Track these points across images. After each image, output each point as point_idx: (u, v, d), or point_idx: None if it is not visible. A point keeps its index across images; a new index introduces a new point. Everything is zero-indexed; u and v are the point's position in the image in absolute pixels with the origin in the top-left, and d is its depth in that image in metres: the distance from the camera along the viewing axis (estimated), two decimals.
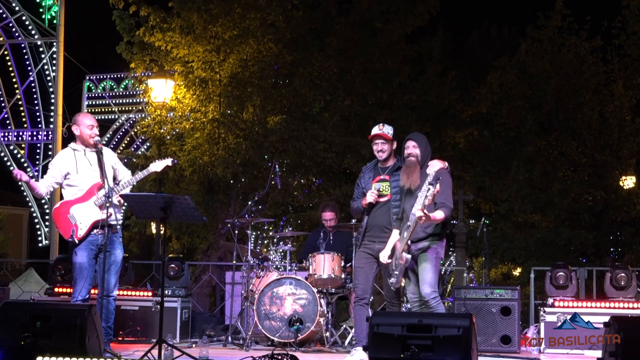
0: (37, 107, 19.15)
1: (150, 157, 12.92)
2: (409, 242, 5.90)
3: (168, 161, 6.82)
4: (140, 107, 17.44)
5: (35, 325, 5.16)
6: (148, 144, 17.23)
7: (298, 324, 7.76)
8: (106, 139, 19.60)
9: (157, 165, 6.79)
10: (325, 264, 7.89)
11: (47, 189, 6.77)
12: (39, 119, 19.22)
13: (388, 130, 6.52)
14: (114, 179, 6.79)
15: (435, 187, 5.61)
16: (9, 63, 19.29)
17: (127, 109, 19.94)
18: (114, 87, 20.07)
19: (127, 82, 19.27)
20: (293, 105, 13.34)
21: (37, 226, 19.13)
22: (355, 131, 13.45)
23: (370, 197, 6.49)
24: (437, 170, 5.91)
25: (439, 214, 5.88)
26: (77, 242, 6.58)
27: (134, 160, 13.46)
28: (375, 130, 6.53)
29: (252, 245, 8.54)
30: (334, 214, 8.82)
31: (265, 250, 17.78)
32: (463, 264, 18.77)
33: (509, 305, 8.00)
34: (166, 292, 8.35)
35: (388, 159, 6.56)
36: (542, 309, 8.11)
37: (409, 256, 5.91)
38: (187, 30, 12.78)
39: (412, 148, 6.16)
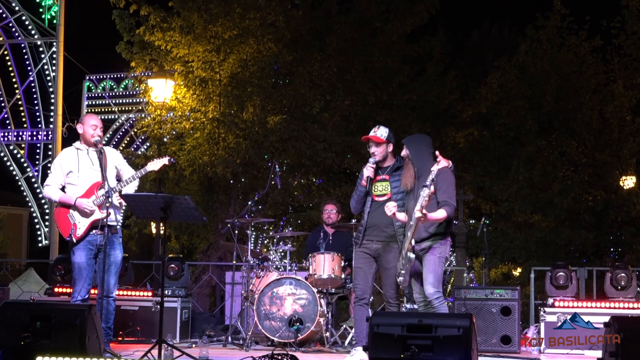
0: (37, 107, 19.14)
1: (150, 156, 12.90)
2: (413, 242, 5.91)
3: (165, 160, 6.78)
4: (140, 107, 17.43)
5: (35, 325, 5.15)
6: (148, 144, 17.23)
7: (298, 324, 7.76)
8: (106, 138, 19.56)
9: (155, 165, 6.76)
10: (325, 264, 7.88)
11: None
12: (38, 119, 19.23)
13: (382, 132, 6.47)
14: (119, 179, 6.79)
15: (430, 189, 5.63)
16: (9, 63, 19.29)
17: (127, 108, 19.93)
18: (114, 87, 20.07)
19: (127, 82, 19.27)
20: (293, 105, 13.32)
21: (37, 226, 19.12)
22: (355, 131, 13.45)
23: (367, 171, 6.43)
24: (440, 169, 5.91)
25: (440, 213, 5.87)
26: (75, 241, 6.57)
27: (134, 160, 13.44)
28: (370, 134, 6.50)
29: (252, 245, 8.53)
30: (335, 207, 8.82)
31: (265, 250, 17.78)
32: (463, 264, 18.73)
33: (509, 305, 8.00)
34: (166, 292, 8.35)
35: (385, 160, 6.54)
36: (542, 309, 8.11)
37: (413, 256, 5.91)
38: (187, 30, 12.77)
39: (404, 150, 6.23)
